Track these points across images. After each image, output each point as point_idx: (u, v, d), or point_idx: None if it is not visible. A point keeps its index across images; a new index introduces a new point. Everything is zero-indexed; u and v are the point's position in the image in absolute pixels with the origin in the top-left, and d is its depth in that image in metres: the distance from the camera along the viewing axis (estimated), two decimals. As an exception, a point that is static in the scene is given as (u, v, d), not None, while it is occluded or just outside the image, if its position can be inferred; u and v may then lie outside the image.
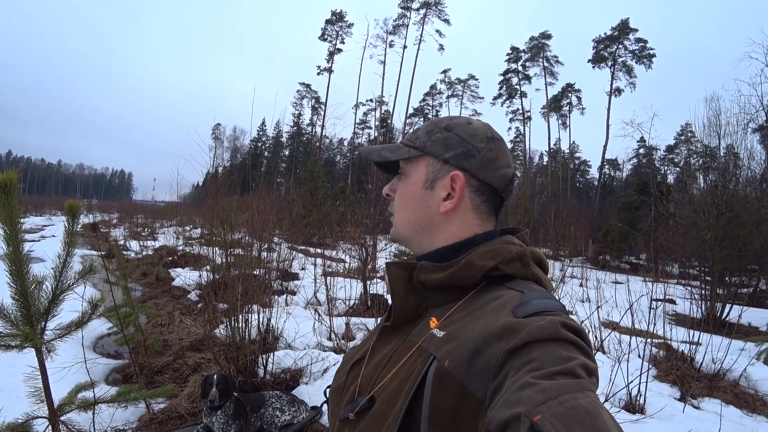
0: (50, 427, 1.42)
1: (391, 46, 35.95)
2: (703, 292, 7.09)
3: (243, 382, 3.00)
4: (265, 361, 3.23)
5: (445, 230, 0.66)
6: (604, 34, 30.38)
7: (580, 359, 0.44)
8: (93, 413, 1.71)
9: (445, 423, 0.49)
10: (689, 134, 31.38)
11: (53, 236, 13.42)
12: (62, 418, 1.48)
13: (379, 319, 4.78)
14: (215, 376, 2.23)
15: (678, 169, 30.59)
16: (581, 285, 9.45)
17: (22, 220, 1.47)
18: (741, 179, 8.69)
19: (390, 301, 0.68)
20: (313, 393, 2.92)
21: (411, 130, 0.74)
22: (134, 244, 11.31)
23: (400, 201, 0.70)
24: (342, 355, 3.68)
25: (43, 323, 1.43)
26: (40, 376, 1.43)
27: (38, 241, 11.48)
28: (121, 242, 11.74)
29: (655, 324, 4.13)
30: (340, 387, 0.69)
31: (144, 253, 10.06)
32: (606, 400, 3.07)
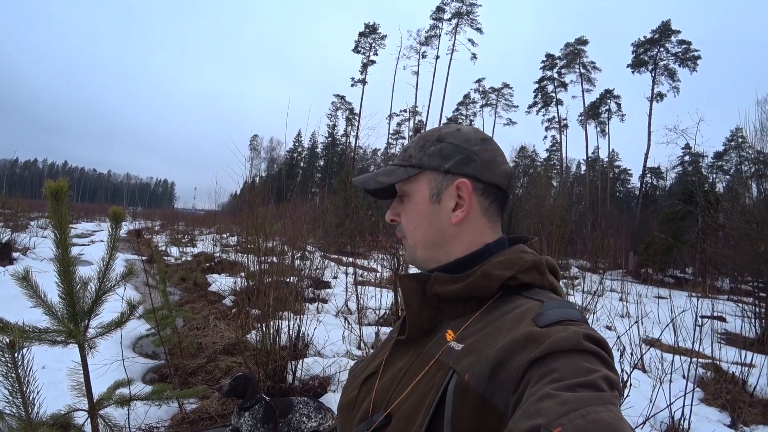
0: (89, 420, 1.51)
1: (423, 56, 36.20)
2: (756, 309, 6.59)
3: (271, 387, 3.05)
4: (294, 367, 3.28)
5: (459, 240, 0.66)
6: (644, 37, 29.21)
7: (603, 372, 0.43)
8: (128, 409, 1.80)
9: None
10: (740, 139, 29.48)
11: (102, 241, 14.22)
12: (101, 412, 1.57)
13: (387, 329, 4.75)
14: (238, 374, 2.30)
15: (728, 177, 28.74)
16: (621, 299, 9.02)
17: (74, 226, 1.58)
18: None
19: (403, 315, 0.68)
20: (339, 400, 2.93)
21: (400, 152, 0.73)
22: (174, 250, 11.83)
23: (410, 222, 0.68)
24: (350, 367, 3.69)
25: (87, 321, 1.53)
26: (82, 371, 1.53)
27: (88, 245, 12.19)
28: (163, 248, 12.30)
29: (701, 342, 3.87)
30: (351, 402, 0.68)
31: (183, 258, 10.49)
32: (645, 423, 2.90)
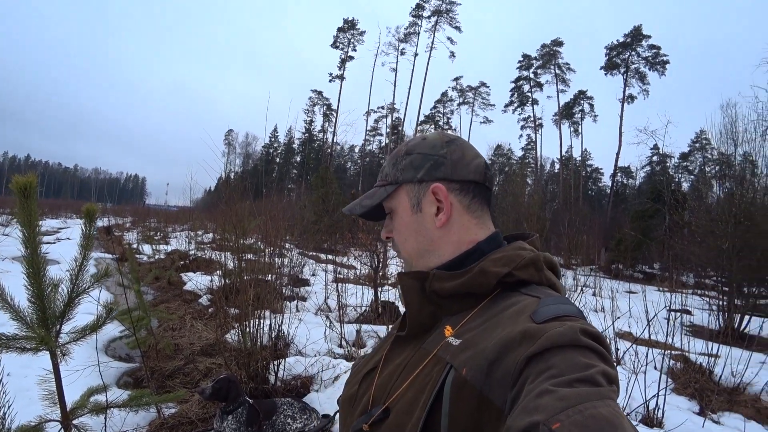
0: (62, 431, 1.42)
1: (402, 53, 36.12)
2: (720, 302, 6.91)
3: (254, 388, 2.97)
4: (276, 367, 3.21)
5: (447, 242, 0.67)
6: (617, 41, 30.12)
7: (600, 366, 0.43)
8: (105, 418, 1.70)
9: None
10: (704, 141, 30.85)
11: (68, 239, 13.65)
12: (75, 422, 1.47)
13: (389, 326, 4.76)
14: (221, 377, 2.23)
15: (692, 177, 30.06)
16: (594, 294, 9.29)
17: (38, 223, 1.48)
18: (758, 187, 8.47)
19: (404, 311, 0.69)
20: (324, 401, 2.89)
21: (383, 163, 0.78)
22: (147, 248, 11.44)
23: (399, 236, 0.72)
24: (353, 362, 3.66)
25: (59, 326, 1.43)
26: (53, 379, 1.43)
27: (54, 243, 11.67)
28: (134, 246, 11.88)
29: (673, 335, 4.03)
30: (351, 397, 0.69)
31: (156, 257, 10.15)
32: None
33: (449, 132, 0.76)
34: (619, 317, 4.18)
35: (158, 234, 15.60)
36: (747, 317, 6.49)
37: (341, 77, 36.99)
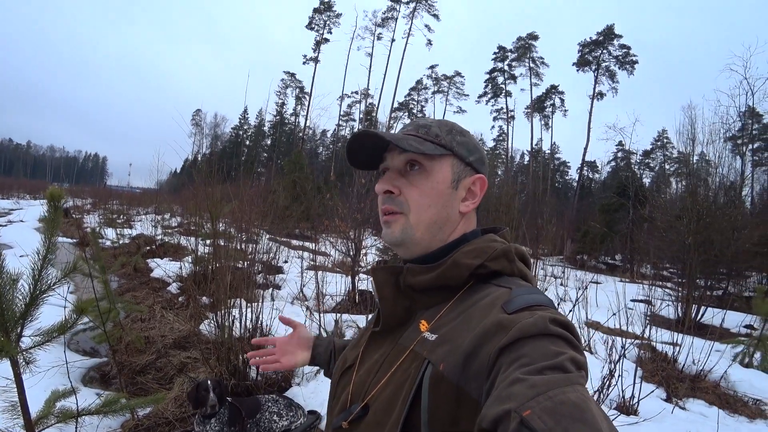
0: (28, 446, 1.26)
1: (379, 38, 35.50)
2: (679, 294, 7.27)
3: (235, 385, 2.82)
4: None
5: (455, 229, 0.67)
6: (590, 38, 30.80)
7: (569, 353, 0.45)
8: (76, 426, 1.54)
9: (444, 427, 0.49)
10: (665, 140, 32.34)
11: (21, 221, 12.79)
12: (41, 434, 1.31)
13: (368, 315, 4.69)
14: (209, 382, 2.08)
15: (653, 173, 31.50)
16: (562, 284, 9.57)
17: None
18: (715, 186, 8.91)
19: (379, 306, 0.68)
20: (308, 395, 2.79)
21: (414, 126, 0.70)
22: (110, 232, 10.83)
23: (423, 199, 0.66)
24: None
25: (19, 330, 1.25)
26: (15, 389, 1.26)
27: (5, 225, 10.89)
28: (97, 230, 11.21)
29: (649, 327, 4.19)
30: (332, 392, 0.70)
31: (121, 242, 9.62)
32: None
33: None
34: (606, 315, 4.28)
35: (121, 217, 14.81)
36: (702, 308, 6.88)
37: (316, 60, 36.02)
